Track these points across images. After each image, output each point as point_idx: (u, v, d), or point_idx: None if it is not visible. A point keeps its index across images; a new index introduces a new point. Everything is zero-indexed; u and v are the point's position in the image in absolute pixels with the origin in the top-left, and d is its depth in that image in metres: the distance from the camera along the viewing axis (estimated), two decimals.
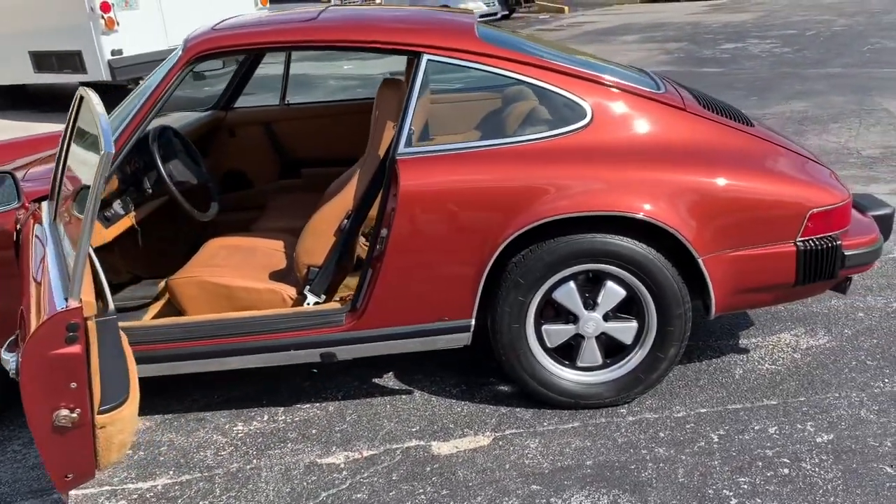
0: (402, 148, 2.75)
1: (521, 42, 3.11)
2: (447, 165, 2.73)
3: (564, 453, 2.71)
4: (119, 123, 2.77)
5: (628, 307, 2.87)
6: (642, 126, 2.85)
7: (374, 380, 3.26)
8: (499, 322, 2.83)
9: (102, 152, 1.61)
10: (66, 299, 1.75)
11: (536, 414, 2.94)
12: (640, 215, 2.68)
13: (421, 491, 2.57)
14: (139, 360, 2.81)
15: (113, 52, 8.62)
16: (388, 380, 3.26)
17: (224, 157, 4.10)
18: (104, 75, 8.75)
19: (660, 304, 2.81)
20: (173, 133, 3.27)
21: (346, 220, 2.92)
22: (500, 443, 2.80)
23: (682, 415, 2.89)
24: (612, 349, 2.93)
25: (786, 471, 2.55)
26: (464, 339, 2.86)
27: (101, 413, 1.92)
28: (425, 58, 2.79)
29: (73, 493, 2.66)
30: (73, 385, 1.78)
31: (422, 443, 2.82)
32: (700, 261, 2.76)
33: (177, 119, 3.87)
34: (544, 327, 2.87)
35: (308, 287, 2.97)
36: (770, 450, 2.66)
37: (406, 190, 2.69)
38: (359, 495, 2.56)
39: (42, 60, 9.23)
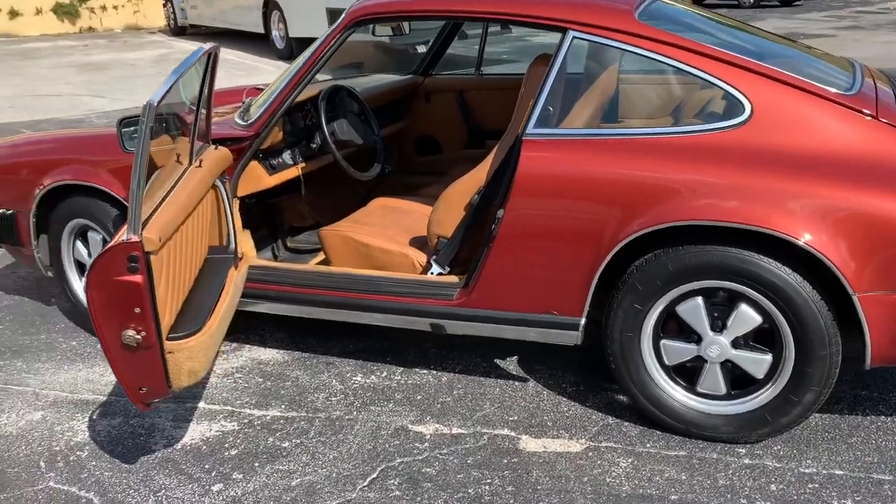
0: (531, 128, 2.63)
1: (699, 23, 2.79)
2: (573, 151, 2.57)
3: (652, 481, 2.48)
4: (280, 83, 2.98)
5: (767, 337, 2.52)
6: (812, 132, 2.44)
7: (496, 360, 3.21)
8: (611, 327, 2.63)
9: (146, 101, 1.76)
10: (139, 231, 1.95)
11: (644, 433, 2.71)
12: (801, 242, 2.31)
13: (487, 481, 2.50)
14: (276, 299, 3.07)
15: None
16: (509, 364, 3.19)
17: (417, 121, 4.22)
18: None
19: (800, 340, 2.42)
20: (347, 93, 3.43)
21: (476, 196, 2.88)
22: (591, 453, 2.62)
23: (810, 471, 2.49)
24: (741, 380, 2.59)
25: None
26: (573, 337, 2.70)
27: (170, 339, 2.13)
28: (571, 35, 2.62)
29: (200, 405, 2.98)
30: (137, 310, 2.00)
31: (512, 434, 2.74)
32: (856, 298, 2.32)
33: (375, 80, 4.05)
34: (663, 342, 2.62)
35: (434, 257, 2.99)
36: None
37: (522, 172, 2.58)
38: (428, 469, 2.57)
39: (336, 16, 10.12)
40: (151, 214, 2.04)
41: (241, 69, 10.70)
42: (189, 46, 13.56)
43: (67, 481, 2.59)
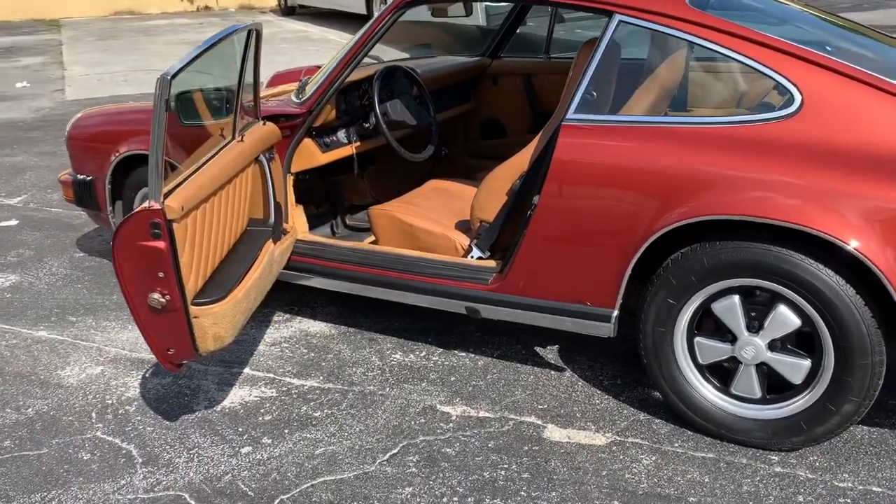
0: (571, 113, 2.58)
1: (758, 9, 2.66)
2: (612, 138, 2.51)
3: (673, 481, 2.41)
4: (332, 62, 3.04)
5: (808, 341, 2.40)
6: (866, 126, 2.29)
7: (535, 347, 3.19)
8: (644, 321, 2.56)
9: (160, 75, 1.83)
10: (160, 199, 2.04)
11: (674, 432, 2.64)
12: (850, 247, 2.19)
13: (504, 465, 2.50)
14: (321, 274, 3.15)
15: None
16: (549, 352, 3.16)
17: (484, 104, 4.21)
18: (481, 21, 9.32)
19: (840, 347, 2.29)
20: (404, 74, 3.46)
21: (518, 181, 2.85)
22: (615, 448, 2.57)
23: (844, 485, 2.36)
24: (779, 385, 2.48)
25: None
26: (606, 329, 2.65)
27: (195, 304, 2.22)
28: (616, 18, 2.55)
29: (245, 371, 3.10)
30: (161, 274, 2.10)
31: (539, 422, 2.72)
32: None
33: (441, 61, 4.06)
34: (697, 339, 2.53)
35: (475, 241, 2.99)
36: None
37: (558, 158, 2.54)
38: (448, 450, 2.59)
39: None
40: (179, 184, 2.14)
41: (337, 48, 10.91)
42: (295, 26, 13.96)
43: (113, 433, 2.75)
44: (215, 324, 2.25)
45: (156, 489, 2.46)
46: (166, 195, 2.06)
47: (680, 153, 2.41)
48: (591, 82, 2.58)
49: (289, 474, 2.51)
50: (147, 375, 3.11)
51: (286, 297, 3.65)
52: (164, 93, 1.95)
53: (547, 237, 2.63)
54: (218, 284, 2.31)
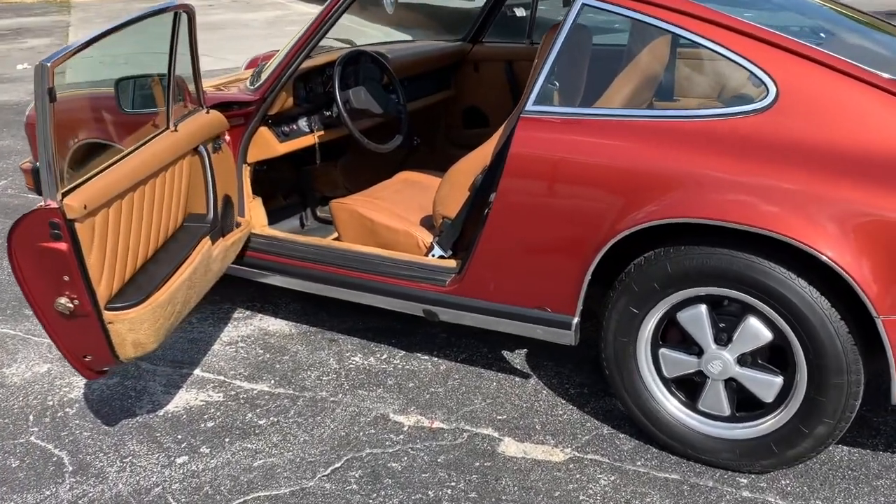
0: (530, 104, 2.39)
1: None
2: (571, 131, 2.31)
3: None
4: (286, 46, 2.86)
5: (781, 356, 2.20)
6: (847, 123, 2.07)
7: (503, 352, 3.01)
8: (605, 329, 2.38)
9: (39, 62, 1.68)
10: (56, 198, 1.88)
11: (638, 449, 2.45)
12: (824, 258, 1.98)
13: (452, 483, 2.33)
14: (277, 271, 2.98)
15: None
16: (515, 357, 2.98)
17: (465, 91, 4.01)
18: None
19: (813, 364, 2.10)
20: (371, 59, 3.27)
21: (480, 175, 2.66)
22: (572, 465, 2.39)
23: None
24: (749, 402, 2.28)
25: None
26: (566, 337, 2.46)
27: (108, 309, 2.07)
28: (580, 2, 2.34)
29: (195, 372, 2.95)
30: (66, 278, 1.94)
31: (495, 434, 2.55)
32: (879, 322, 1.97)
33: (418, 46, 3.86)
34: (661, 350, 2.34)
35: (437, 239, 2.81)
36: None
37: (514, 152, 2.35)
38: (394, 464, 2.42)
39: None
40: (86, 181, 1.98)
41: (353, 34, 10.71)
42: (305, 9, 13.75)
43: (47, 438, 2.62)
44: (132, 330, 2.10)
45: (80, 501, 2.32)
46: (67, 192, 1.91)
47: (643, 149, 2.20)
48: (551, 72, 2.38)
49: (222, 488, 2.36)
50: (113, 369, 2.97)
51: (248, 292, 3.49)
52: (44, 82, 1.79)
53: (503, 237, 2.44)
54: (138, 287, 2.16)
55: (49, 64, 1.77)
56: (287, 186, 3.67)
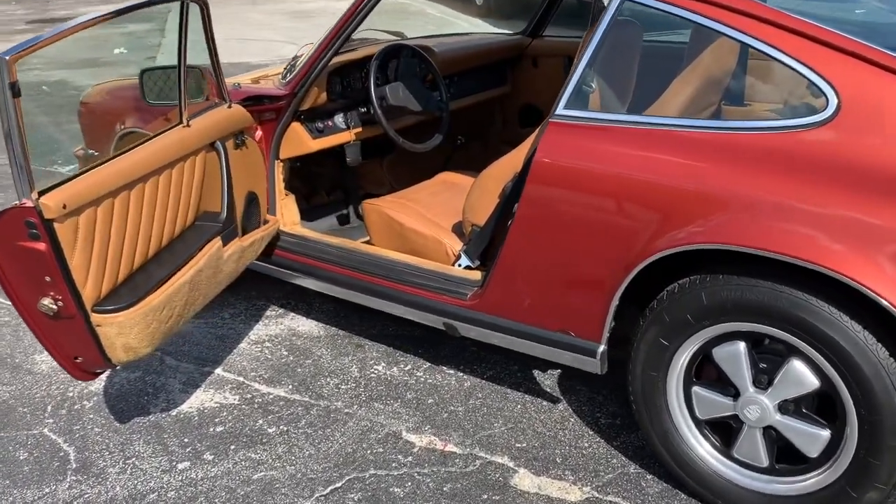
0: (561, 108, 2.17)
1: None
2: (604, 139, 2.08)
3: None
4: (319, 39, 2.72)
5: (830, 404, 1.92)
6: None
7: (533, 371, 2.80)
8: (633, 362, 2.14)
9: None
10: (31, 196, 1.80)
11: (665, 494, 2.21)
12: (885, 302, 1.70)
13: None
14: (304, 272, 2.88)
15: None
16: (546, 379, 2.77)
17: (522, 88, 3.79)
18: None
19: (865, 420, 1.81)
20: (412, 53, 3.10)
21: (510, 182, 2.46)
22: None
23: None
24: (791, 453, 2.01)
25: None
26: (592, 365, 2.24)
27: (97, 312, 1.99)
28: None
29: (216, 371, 2.88)
30: (48, 279, 1.87)
31: (510, 464, 2.35)
32: None
33: (473, 40, 3.67)
34: (695, 388, 2.09)
35: (465, 247, 2.63)
36: None
37: (539, 160, 2.14)
38: (397, 489, 2.27)
39: None
40: (70, 179, 1.90)
41: (436, 24, 10.59)
42: None
43: (60, 431, 2.59)
44: (121, 334, 2.01)
45: (76, 502, 2.27)
46: (45, 191, 1.83)
47: (684, 163, 1.96)
48: (586, 71, 2.16)
49: (216, 501, 2.26)
50: (118, 368, 2.94)
51: (285, 289, 3.41)
52: (5, 77, 1.70)
53: (524, 250, 2.24)
54: (133, 288, 2.07)
55: (8, 58, 1.69)
56: (331, 182, 3.56)
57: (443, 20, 10.82)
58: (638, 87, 2.21)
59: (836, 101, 1.83)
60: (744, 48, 2.01)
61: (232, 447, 2.48)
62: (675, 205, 1.96)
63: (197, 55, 2.66)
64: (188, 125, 2.33)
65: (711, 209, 1.92)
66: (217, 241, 2.37)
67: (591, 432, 2.48)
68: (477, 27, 10.09)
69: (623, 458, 2.36)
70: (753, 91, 2.17)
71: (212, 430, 2.57)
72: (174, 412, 2.67)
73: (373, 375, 2.83)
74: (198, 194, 2.37)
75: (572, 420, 2.55)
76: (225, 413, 2.65)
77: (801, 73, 1.88)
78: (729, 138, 1.94)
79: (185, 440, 2.52)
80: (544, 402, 2.64)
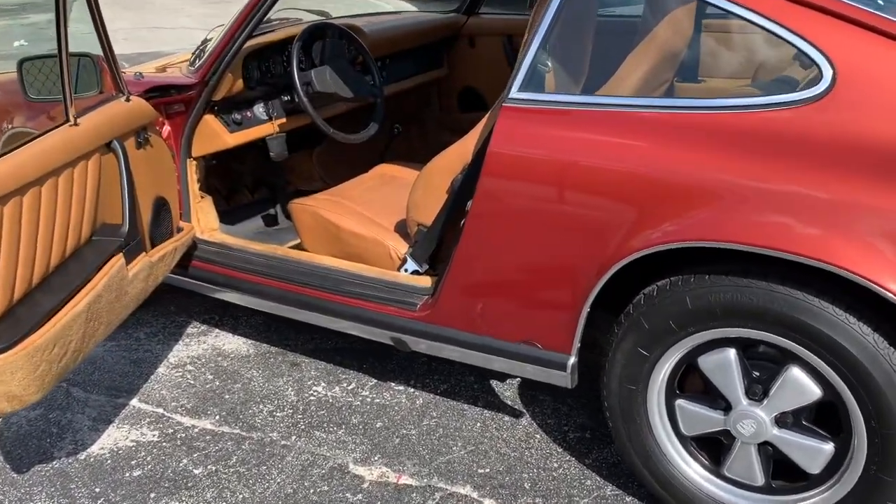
0: (515, 91, 1.90)
1: None
2: (566, 124, 1.82)
3: None
4: (230, 19, 2.38)
5: (833, 414, 1.71)
6: None
7: (491, 382, 2.54)
8: (607, 374, 1.90)
9: None
10: None
11: None
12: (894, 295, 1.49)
13: None
14: (226, 286, 2.55)
15: None
16: (506, 390, 2.51)
17: (460, 70, 3.51)
18: None
19: (875, 433, 1.61)
20: (339, 34, 2.78)
21: (459, 175, 2.18)
22: None
23: None
24: (788, 469, 1.80)
25: None
26: (561, 378, 1.99)
27: None
28: None
29: (132, 403, 2.53)
30: None
31: (474, 495, 2.09)
32: None
33: (406, 19, 3.37)
34: (678, 402, 1.86)
35: (410, 250, 2.34)
36: None
37: (494, 151, 1.87)
38: None
39: None
40: None
41: (361, 7, 10.18)
42: None
43: None
44: (1, 381, 1.67)
45: None
46: None
47: (660, 148, 1.71)
48: (541, 50, 1.89)
49: None
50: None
51: (207, 302, 3.05)
52: None
53: (481, 253, 1.97)
54: (14, 324, 1.72)
55: None
56: (254, 179, 3.22)
57: (366, 2, 10.42)
58: (600, 63, 1.96)
59: (830, 73, 1.60)
60: (732, 17, 1.76)
61: (152, 495, 2.14)
62: (651, 197, 1.72)
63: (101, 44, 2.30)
64: (76, 123, 1.97)
65: (694, 201, 1.68)
66: (119, 259, 2.02)
67: (559, 450, 2.24)
68: (402, 9, 9.75)
69: (597, 479, 2.12)
70: (731, 60, 1.94)
71: (127, 475, 2.22)
72: (83, 456, 2.31)
73: (312, 398, 2.52)
74: (93, 205, 2.01)
75: (538, 437, 2.30)
76: (143, 453, 2.31)
77: (789, 42, 1.65)
78: (709, 118, 1.70)
79: (97, 490, 2.17)
80: (506, 418, 2.38)
